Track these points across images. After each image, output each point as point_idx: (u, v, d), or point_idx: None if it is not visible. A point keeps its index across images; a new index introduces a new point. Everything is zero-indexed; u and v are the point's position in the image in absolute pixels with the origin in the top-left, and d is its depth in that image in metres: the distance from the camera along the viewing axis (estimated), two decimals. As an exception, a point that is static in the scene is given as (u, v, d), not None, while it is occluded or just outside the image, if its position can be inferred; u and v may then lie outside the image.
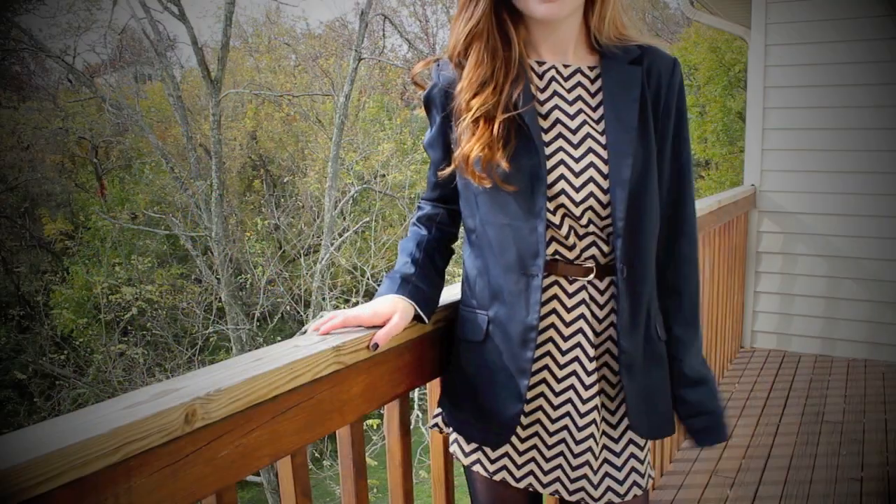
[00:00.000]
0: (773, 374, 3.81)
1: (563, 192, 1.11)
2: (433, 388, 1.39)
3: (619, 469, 1.21)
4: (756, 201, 4.10)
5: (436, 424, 1.33)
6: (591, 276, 1.15)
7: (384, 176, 12.60)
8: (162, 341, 11.10)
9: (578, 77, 1.15)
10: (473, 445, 1.26)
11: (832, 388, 3.57)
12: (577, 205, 1.11)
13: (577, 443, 1.18)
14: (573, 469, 1.20)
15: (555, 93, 1.15)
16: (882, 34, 3.68)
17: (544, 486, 1.23)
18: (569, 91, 1.15)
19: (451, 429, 1.29)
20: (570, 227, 1.14)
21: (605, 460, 1.21)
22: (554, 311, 1.17)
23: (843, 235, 3.92)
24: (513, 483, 1.24)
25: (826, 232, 3.96)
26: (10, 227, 14.64)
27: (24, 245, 14.97)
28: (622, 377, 1.17)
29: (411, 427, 1.36)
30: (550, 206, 1.12)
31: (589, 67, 1.15)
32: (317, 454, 8.95)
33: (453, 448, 1.29)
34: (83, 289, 12.52)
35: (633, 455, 1.22)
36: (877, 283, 3.87)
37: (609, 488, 1.20)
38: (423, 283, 1.21)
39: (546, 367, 1.19)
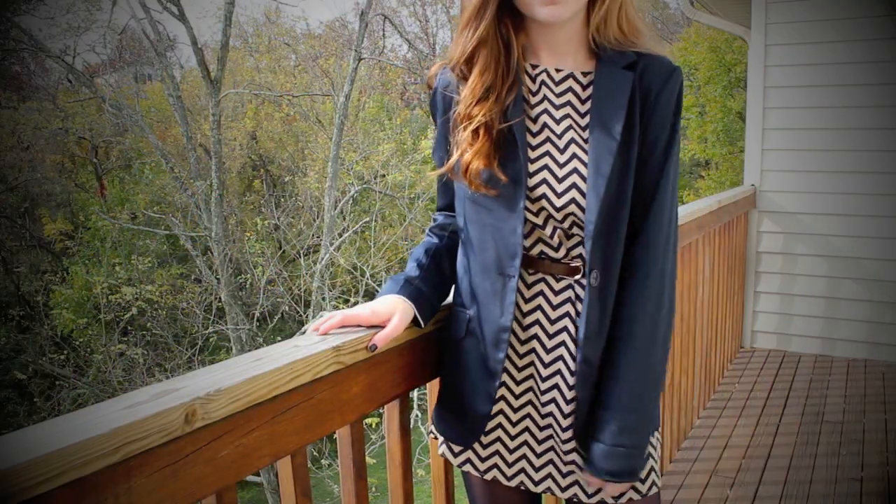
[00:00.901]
0: (773, 374, 3.81)
1: (544, 196, 1.12)
2: (433, 388, 1.39)
3: None
4: (756, 201, 4.10)
5: (432, 430, 1.34)
6: (579, 275, 1.14)
7: (384, 176, 12.60)
8: (162, 341, 11.10)
9: (570, 82, 1.14)
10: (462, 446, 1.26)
11: (832, 388, 3.57)
12: (558, 210, 1.12)
13: (564, 442, 1.18)
14: (565, 464, 1.20)
15: (544, 97, 1.15)
16: (882, 34, 3.68)
17: (536, 483, 1.23)
18: (558, 96, 1.14)
19: (440, 434, 1.30)
20: (555, 228, 1.14)
21: None
22: (539, 307, 1.17)
23: (843, 235, 3.92)
24: (504, 482, 1.24)
25: (826, 232, 3.96)
26: (10, 227, 14.64)
27: (24, 245, 14.98)
28: (576, 387, 1.14)
29: (411, 427, 1.36)
30: (533, 208, 1.13)
31: (583, 73, 1.14)
32: (316, 453, 8.95)
33: (442, 449, 1.29)
34: (83, 289, 12.53)
35: None
36: (877, 283, 3.87)
37: (601, 489, 1.19)
38: (425, 285, 1.21)
39: (532, 364, 1.19)
